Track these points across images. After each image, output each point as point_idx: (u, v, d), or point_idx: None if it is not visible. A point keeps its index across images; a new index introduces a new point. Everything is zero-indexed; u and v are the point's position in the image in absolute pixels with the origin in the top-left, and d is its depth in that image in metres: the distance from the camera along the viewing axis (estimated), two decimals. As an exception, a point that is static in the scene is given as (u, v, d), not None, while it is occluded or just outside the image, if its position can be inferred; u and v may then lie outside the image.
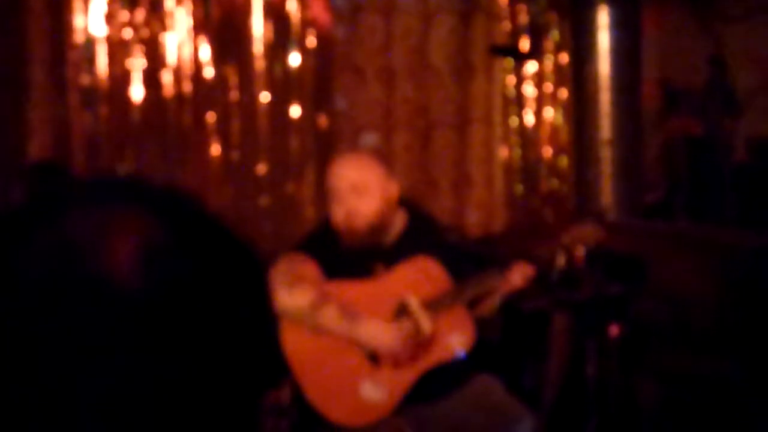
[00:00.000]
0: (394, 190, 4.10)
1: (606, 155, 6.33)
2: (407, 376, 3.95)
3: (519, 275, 4.08)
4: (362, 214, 3.99)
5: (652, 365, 5.18)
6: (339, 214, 4.02)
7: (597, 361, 4.87)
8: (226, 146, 5.27)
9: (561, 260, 4.13)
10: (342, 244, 4.05)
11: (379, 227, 4.03)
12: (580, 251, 4.10)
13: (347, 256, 4.02)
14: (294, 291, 3.74)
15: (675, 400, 5.12)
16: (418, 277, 4.05)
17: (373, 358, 3.91)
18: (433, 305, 3.99)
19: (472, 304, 4.14)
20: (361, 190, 3.98)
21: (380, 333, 3.88)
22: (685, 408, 5.06)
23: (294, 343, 3.85)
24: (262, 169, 5.40)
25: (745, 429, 4.90)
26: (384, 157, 5.65)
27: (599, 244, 4.18)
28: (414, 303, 3.97)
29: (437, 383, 4.04)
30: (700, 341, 5.07)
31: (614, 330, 4.84)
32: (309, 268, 3.84)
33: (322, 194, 5.52)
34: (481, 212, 6.21)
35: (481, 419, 4.08)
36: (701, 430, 4.98)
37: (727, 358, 5.07)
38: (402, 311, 3.96)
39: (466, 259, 4.19)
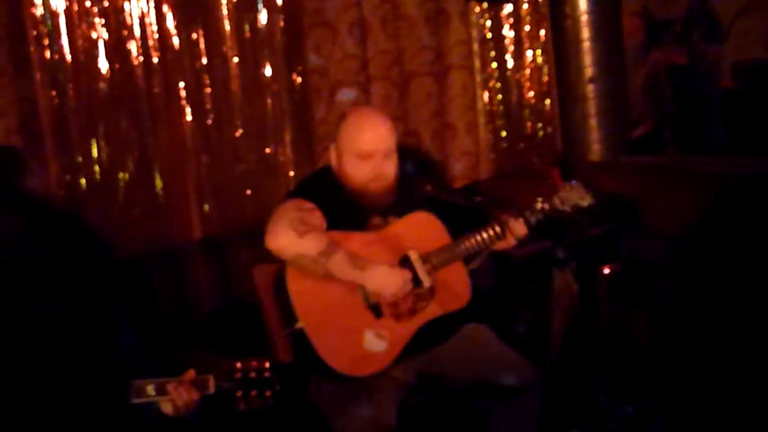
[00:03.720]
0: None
1: (590, 93, 6.25)
2: (407, 328, 3.98)
3: (513, 236, 4.11)
4: (389, 176, 4.05)
5: (644, 301, 5.15)
6: (365, 174, 4.06)
7: (592, 303, 4.83)
8: (199, 113, 5.19)
9: (542, 208, 4.14)
10: (343, 195, 4.06)
11: (394, 187, 4.07)
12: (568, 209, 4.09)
13: (347, 207, 4.03)
14: (306, 238, 3.77)
15: (669, 333, 5.09)
16: (418, 232, 4.08)
17: (376, 310, 3.91)
18: (432, 259, 4.01)
19: (468, 259, 4.16)
20: (390, 153, 4.05)
21: (388, 277, 3.91)
22: (679, 340, 5.04)
23: (299, 290, 3.87)
24: (238, 133, 5.30)
25: (735, 358, 4.87)
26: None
27: (588, 209, 4.19)
28: (414, 256, 3.99)
29: (435, 334, 4.06)
30: (692, 274, 5.01)
31: (606, 270, 4.80)
32: (317, 216, 3.86)
33: (302, 154, 5.47)
34: (465, 160, 6.12)
35: (477, 366, 4.11)
36: (696, 361, 4.95)
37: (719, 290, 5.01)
38: (403, 264, 3.98)
39: (460, 215, 4.20)
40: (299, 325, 3.84)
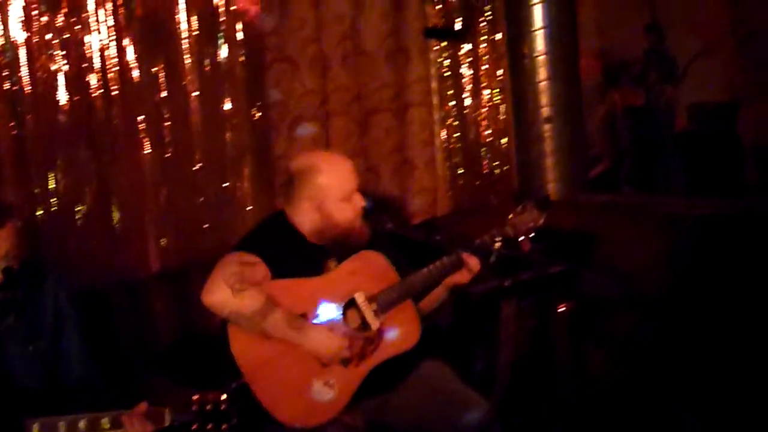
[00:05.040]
0: None
1: (547, 133, 6.29)
2: (357, 373, 3.91)
3: (466, 269, 4.08)
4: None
5: (601, 338, 5.17)
6: (352, 213, 4.03)
7: (547, 340, 4.85)
8: (158, 146, 5.18)
9: (497, 246, 4.11)
10: (298, 242, 4.02)
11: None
12: (522, 237, 4.06)
13: (302, 253, 3.98)
14: (241, 297, 3.69)
15: (624, 370, 5.12)
16: (365, 272, 4.02)
17: (323, 357, 3.87)
18: (380, 300, 3.96)
19: (419, 297, 4.12)
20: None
21: (325, 340, 3.85)
22: (634, 377, 5.07)
23: (242, 345, 3.80)
24: (197, 166, 5.30)
25: (688, 393, 4.90)
26: (322, 146, 5.60)
27: (542, 229, 4.16)
28: (361, 299, 3.93)
29: (387, 376, 4.01)
30: (648, 311, 5.06)
31: (562, 308, 4.81)
32: (259, 270, 3.79)
33: (261, 189, 5.46)
34: (423, 197, 6.15)
35: (433, 407, 4.05)
36: (649, 396, 4.98)
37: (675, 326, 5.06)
38: (349, 307, 3.93)
39: (412, 252, 4.17)
40: (243, 380, 3.77)
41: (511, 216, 4.12)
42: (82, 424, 3.18)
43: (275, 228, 4.09)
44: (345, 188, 4.01)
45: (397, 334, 4.05)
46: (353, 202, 4.02)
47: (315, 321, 3.86)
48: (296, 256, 3.99)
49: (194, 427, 3.13)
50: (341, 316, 3.94)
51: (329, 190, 4.00)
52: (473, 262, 4.09)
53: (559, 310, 4.79)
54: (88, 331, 3.71)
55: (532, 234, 4.11)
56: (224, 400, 3.14)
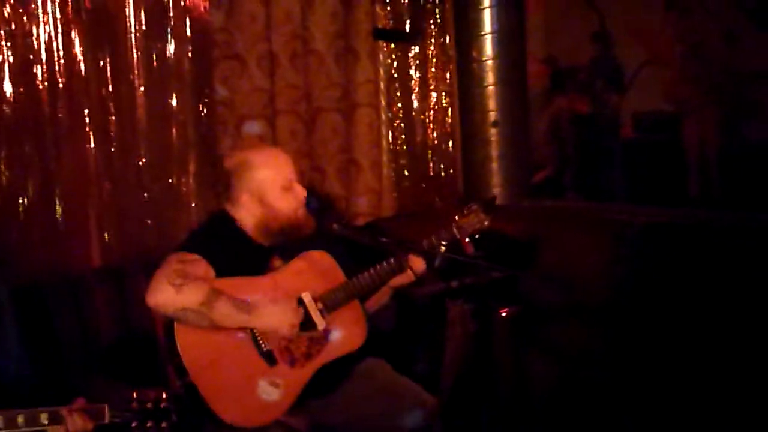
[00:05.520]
0: None
1: (493, 137, 6.31)
2: (303, 373, 3.91)
3: (411, 269, 4.09)
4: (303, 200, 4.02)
5: (543, 344, 5.19)
6: (294, 202, 4.02)
7: (488, 344, 4.87)
8: (103, 140, 5.14)
9: (443, 248, 4.11)
10: (241, 240, 4.00)
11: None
12: (467, 239, 4.07)
13: (245, 252, 3.97)
14: (183, 290, 3.67)
15: (566, 377, 5.14)
16: (311, 272, 4.02)
17: (269, 358, 3.85)
18: (326, 300, 3.96)
19: (365, 297, 4.12)
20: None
21: (276, 314, 3.84)
22: (576, 384, 5.09)
23: (187, 344, 3.78)
24: (142, 161, 5.27)
25: (633, 403, 4.94)
26: (268, 144, 5.58)
27: (485, 231, 4.17)
28: (307, 298, 3.93)
29: (331, 376, 4.01)
30: (591, 318, 5.08)
31: (504, 313, 4.83)
32: (200, 267, 3.77)
33: (206, 186, 5.44)
34: (369, 198, 6.15)
35: (376, 405, 4.06)
36: (593, 406, 5.01)
37: (617, 334, 5.09)
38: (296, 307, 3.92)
39: (357, 252, 4.16)
40: (189, 379, 3.75)
41: (456, 217, 4.14)
42: (20, 419, 3.14)
43: (218, 227, 4.08)
44: (283, 177, 4.00)
45: (344, 335, 4.05)
46: (294, 191, 4.02)
47: None
48: (240, 254, 3.98)
49: (134, 424, 3.11)
50: None
51: (267, 181, 4.00)
52: (418, 264, 4.11)
53: (502, 314, 4.81)
54: (26, 326, 3.67)
55: (477, 236, 4.13)
56: (164, 397, 3.12)
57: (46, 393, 3.37)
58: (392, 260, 4.06)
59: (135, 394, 3.12)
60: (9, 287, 3.68)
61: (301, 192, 4.03)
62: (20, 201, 4.99)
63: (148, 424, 3.10)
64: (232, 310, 3.77)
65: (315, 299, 3.98)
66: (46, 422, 3.17)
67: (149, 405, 3.11)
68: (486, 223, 4.16)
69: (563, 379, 5.22)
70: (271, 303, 3.86)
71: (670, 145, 8.60)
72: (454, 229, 4.10)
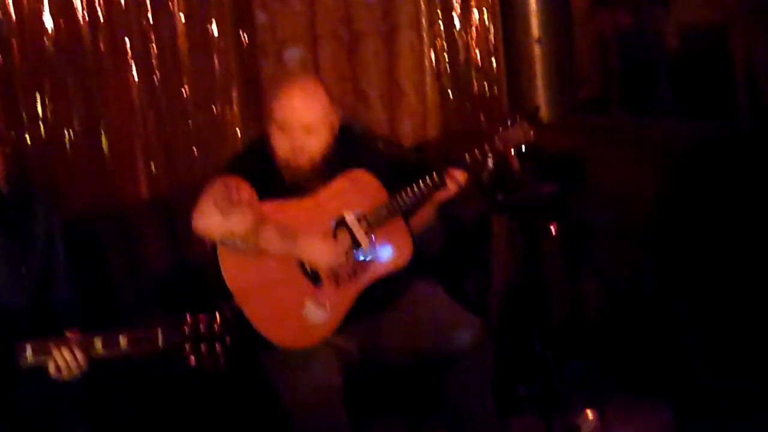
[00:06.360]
0: (336, 120, 4.04)
1: (536, 54, 6.24)
2: (348, 293, 3.92)
3: (451, 182, 4.03)
4: (308, 152, 3.95)
5: (592, 263, 5.16)
6: (284, 147, 3.97)
7: (538, 261, 4.85)
8: (145, 71, 5.13)
9: (491, 163, 4.06)
10: (275, 164, 3.98)
11: (320, 162, 3.98)
12: (513, 153, 4.01)
13: (280, 175, 3.96)
14: (230, 216, 3.68)
15: (615, 295, 5.11)
16: (353, 191, 4.00)
17: (314, 278, 3.86)
18: (369, 219, 3.94)
19: (409, 215, 4.10)
20: (311, 129, 3.93)
21: (320, 248, 3.85)
22: (625, 303, 5.06)
23: (233, 269, 3.80)
24: (185, 91, 5.26)
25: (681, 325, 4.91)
26: (310, 70, 5.54)
27: (531, 144, 4.12)
28: (350, 217, 3.92)
29: (378, 296, 4.00)
30: (639, 236, 5.04)
31: (552, 229, 4.80)
32: (244, 191, 3.77)
33: (249, 114, 5.42)
34: (413, 120, 6.09)
35: (426, 326, 4.06)
36: (642, 326, 4.99)
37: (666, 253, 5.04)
38: (339, 226, 3.92)
39: (400, 169, 4.13)
40: (235, 302, 3.76)
41: (501, 128, 4.08)
42: (74, 345, 3.18)
43: (258, 150, 4.08)
44: (279, 115, 3.95)
45: (389, 252, 4.04)
46: (289, 136, 3.94)
47: None
48: (279, 177, 3.98)
49: (187, 348, 3.12)
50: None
51: (270, 110, 3.99)
52: (460, 175, 4.05)
53: (551, 230, 4.79)
54: (75, 258, 3.70)
55: (523, 149, 4.08)
56: (217, 321, 3.14)
57: (96, 324, 3.39)
58: (434, 174, 4.02)
59: (188, 318, 3.14)
60: (60, 219, 3.70)
61: (296, 141, 3.94)
62: (66, 134, 5.01)
63: (202, 347, 3.12)
64: (276, 237, 3.79)
65: (358, 218, 3.98)
66: (99, 346, 3.18)
67: (202, 327, 3.13)
68: (531, 133, 4.09)
69: (612, 296, 5.21)
70: (318, 235, 3.87)
71: (717, 56, 8.50)
72: (498, 141, 4.04)
